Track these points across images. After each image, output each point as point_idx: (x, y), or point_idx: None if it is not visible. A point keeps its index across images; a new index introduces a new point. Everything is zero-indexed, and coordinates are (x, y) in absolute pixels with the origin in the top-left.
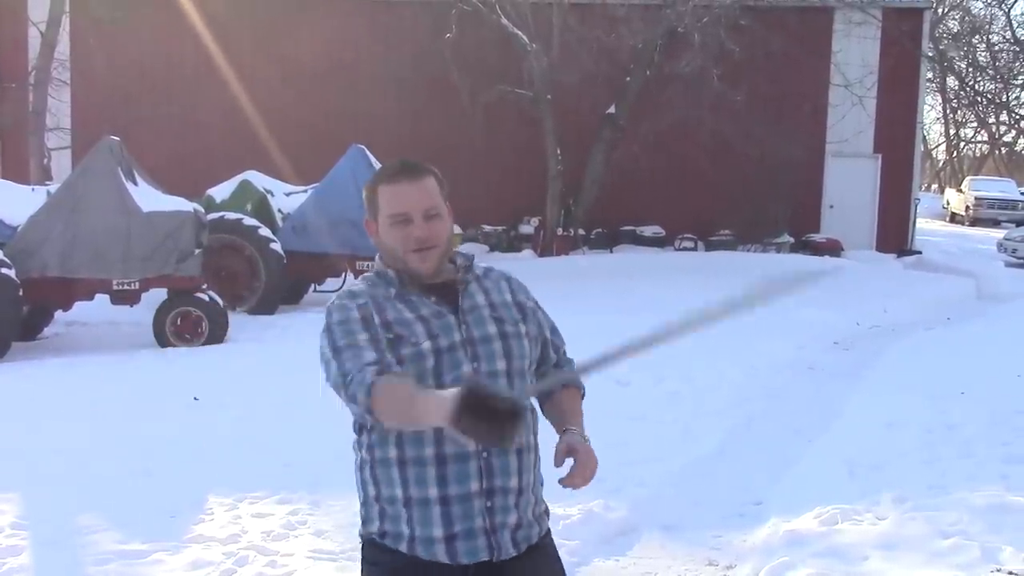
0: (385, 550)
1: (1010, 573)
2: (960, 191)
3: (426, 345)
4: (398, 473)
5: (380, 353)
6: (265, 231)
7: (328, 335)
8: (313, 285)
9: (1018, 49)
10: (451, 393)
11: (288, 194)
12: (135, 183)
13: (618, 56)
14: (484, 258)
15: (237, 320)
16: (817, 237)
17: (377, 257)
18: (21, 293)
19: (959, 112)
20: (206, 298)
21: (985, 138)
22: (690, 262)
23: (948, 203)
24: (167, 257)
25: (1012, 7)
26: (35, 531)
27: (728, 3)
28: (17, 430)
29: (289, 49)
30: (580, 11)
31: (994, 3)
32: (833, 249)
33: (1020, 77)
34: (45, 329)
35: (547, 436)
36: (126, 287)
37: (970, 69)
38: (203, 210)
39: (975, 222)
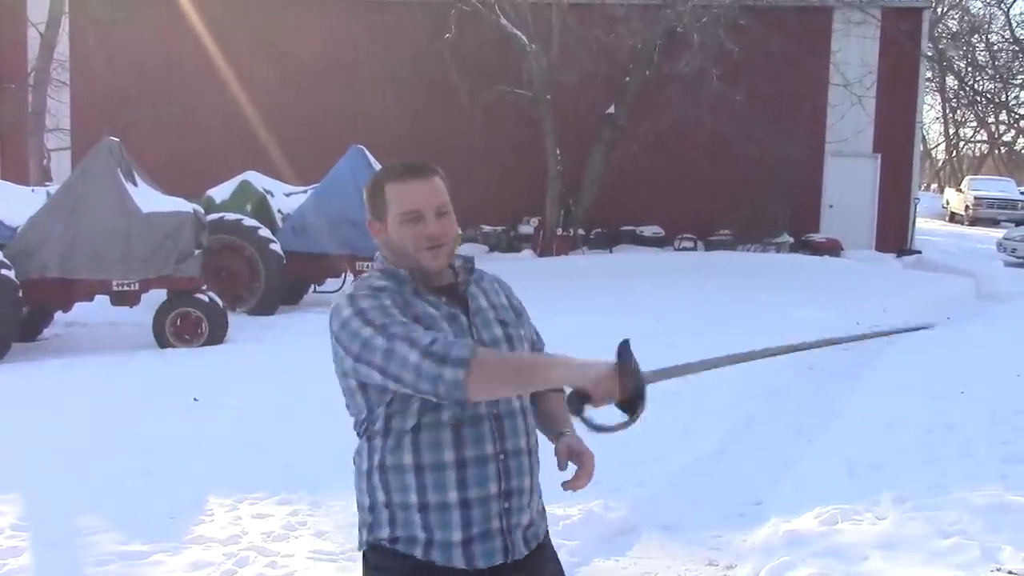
0: (394, 556)
1: (1010, 573)
2: (959, 191)
3: (450, 334)
4: (414, 479)
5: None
6: (265, 232)
7: (361, 318)
8: (313, 286)
9: (1017, 49)
10: (603, 361)
11: (288, 194)
12: (135, 184)
13: (617, 56)
14: (484, 258)
15: (237, 321)
16: (817, 237)
17: (379, 257)
18: (21, 294)
19: (958, 111)
20: (206, 299)
21: (984, 137)
22: (690, 262)
23: (947, 203)
24: (167, 258)
25: (1011, 7)
26: (35, 532)
27: (727, 3)
28: (17, 431)
29: (288, 49)
30: (579, 11)
31: (993, 3)
32: (833, 249)
33: (1019, 76)
34: (45, 330)
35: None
36: (126, 288)
37: (969, 68)
38: (203, 211)
39: (974, 222)
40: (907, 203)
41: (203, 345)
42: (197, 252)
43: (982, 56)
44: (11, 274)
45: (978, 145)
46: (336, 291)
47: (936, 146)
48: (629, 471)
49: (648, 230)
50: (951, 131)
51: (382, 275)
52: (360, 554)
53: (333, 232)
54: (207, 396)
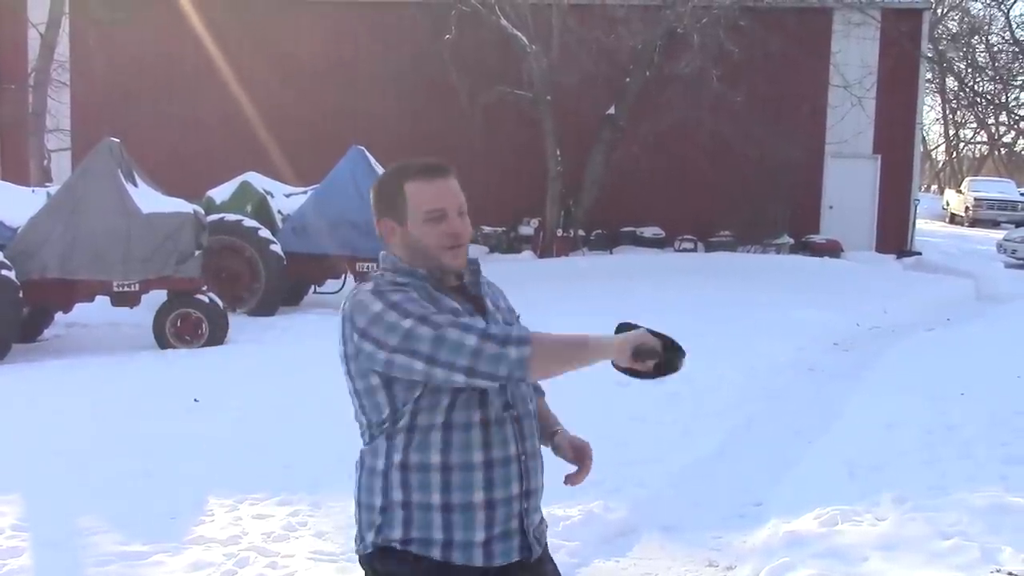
0: (405, 559)
1: (1010, 574)
2: (960, 192)
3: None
4: (440, 478)
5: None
6: (265, 232)
7: (397, 310)
8: (313, 286)
9: (1017, 50)
10: (626, 333)
11: (288, 195)
12: (135, 184)
13: (617, 57)
14: (484, 259)
15: (237, 321)
16: (817, 238)
17: (388, 258)
18: (21, 295)
19: (958, 113)
20: (206, 299)
21: (984, 139)
22: (690, 263)
23: (948, 204)
24: (167, 259)
25: (1011, 8)
26: (36, 532)
27: (727, 4)
28: (17, 431)
29: (288, 50)
30: (579, 12)
31: (993, 4)
32: (833, 250)
33: (1019, 78)
34: (45, 331)
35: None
36: (126, 289)
37: (969, 70)
38: (203, 211)
39: (975, 223)
40: (907, 204)
41: (203, 346)
42: (197, 253)
43: (982, 57)
44: (11, 275)
45: (978, 146)
46: (336, 292)
47: (936, 147)
48: (629, 472)
49: (648, 231)
50: (951, 132)
51: (398, 274)
52: (360, 558)
53: (333, 233)
54: (207, 397)
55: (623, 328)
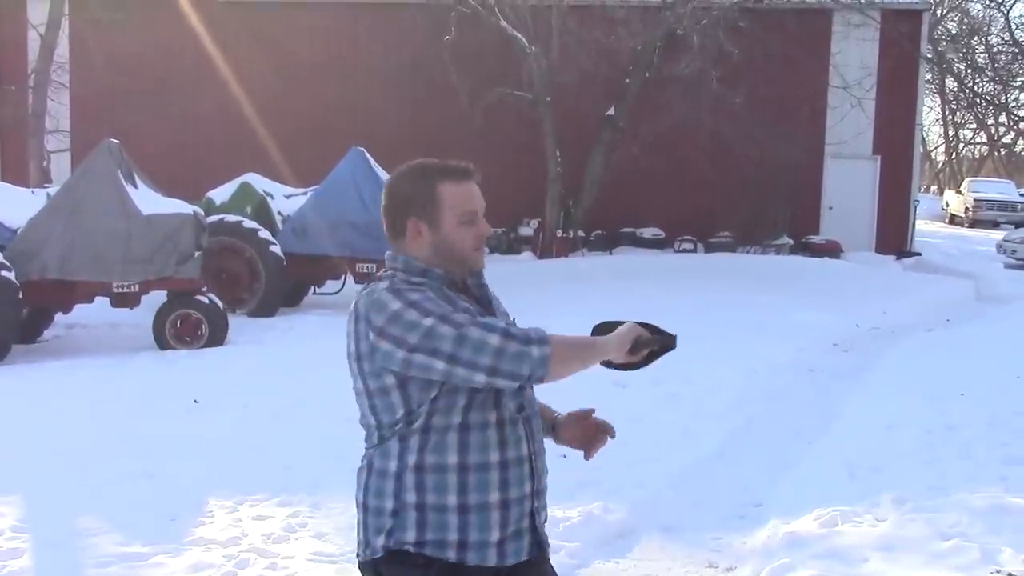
0: (417, 562)
1: (1010, 575)
2: (959, 192)
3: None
4: (456, 479)
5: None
6: (265, 233)
7: (416, 310)
8: (313, 287)
9: (1017, 51)
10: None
11: (288, 196)
12: (135, 185)
13: (617, 58)
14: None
15: (237, 322)
16: (816, 239)
17: (398, 259)
18: (21, 295)
19: (958, 113)
20: (206, 300)
21: (984, 140)
22: (690, 264)
23: (947, 205)
24: (167, 259)
25: (1011, 9)
26: (36, 534)
27: (727, 5)
28: (17, 432)
29: (289, 51)
30: (579, 13)
31: (993, 5)
32: (833, 251)
33: (1019, 79)
34: (45, 331)
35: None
36: (126, 289)
37: (969, 71)
38: (203, 212)
39: (974, 223)
40: (907, 205)
41: (203, 347)
42: (197, 254)
43: (982, 58)
44: (11, 275)
45: (978, 147)
46: (336, 293)
47: (936, 148)
48: (629, 473)
49: (648, 232)
50: (951, 133)
51: (411, 274)
52: (363, 562)
53: (333, 234)
54: (207, 398)
55: (602, 327)
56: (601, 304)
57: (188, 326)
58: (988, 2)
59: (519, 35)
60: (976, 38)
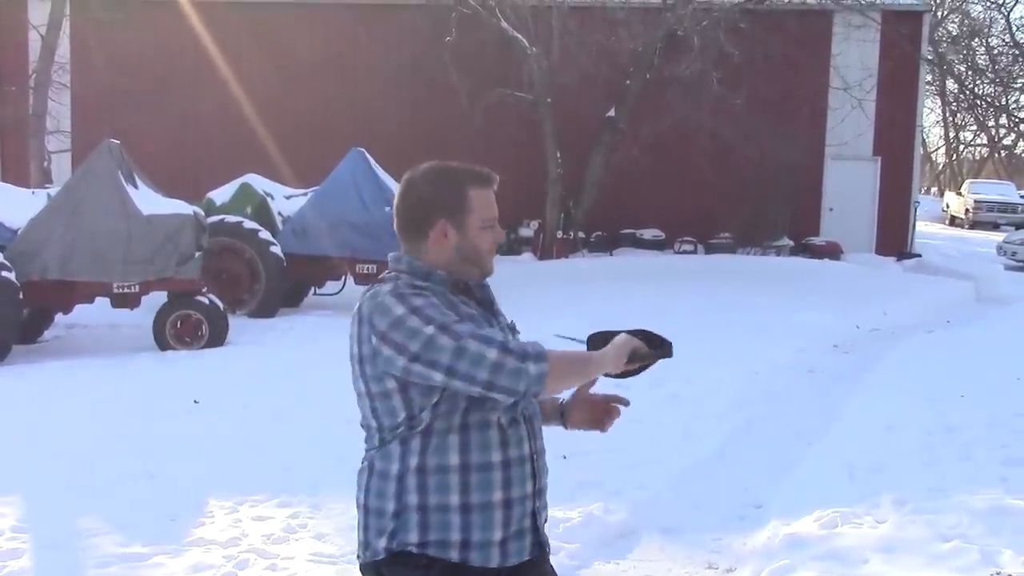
0: (419, 563)
1: None
2: (960, 194)
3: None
4: (458, 479)
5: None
6: (265, 234)
7: (419, 316)
8: (313, 288)
9: (1017, 52)
10: (615, 341)
11: (288, 197)
12: (135, 186)
13: (618, 59)
14: None
15: (237, 323)
16: (817, 240)
17: (404, 260)
18: (21, 296)
19: (958, 115)
20: (206, 301)
21: (984, 141)
22: (690, 265)
23: (948, 206)
24: (167, 260)
25: (1011, 10)
26: (36, 534)
27: (727, 6)
28: (17, 433)
29: (289, 52)
30: (580, 14)
31: (993, 6)
32: (833, 252)
33: (1019, 80)
34: (45, 332)
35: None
36: (126, 290)
37: (969, 72)
38: (203, 213)
39: (975, 225)
40: (907, 206)
41: (203, 347)
42: (197, 254)
43: (982, 60)
44: (12, 276)
45: (978, 149)
46: (336, 293)
47: (936, 149)
48: (629, 474)
49: (648, 233)
50: (951, 134)
51: (415, 277)
52: (365, 564)
53: (333, 235)
54: (207, 398)
55: (596, 337)
56: (601, 305)
57: (188, 327)
58: (989, 4)
59: (520, 36)
60: (977, 40)
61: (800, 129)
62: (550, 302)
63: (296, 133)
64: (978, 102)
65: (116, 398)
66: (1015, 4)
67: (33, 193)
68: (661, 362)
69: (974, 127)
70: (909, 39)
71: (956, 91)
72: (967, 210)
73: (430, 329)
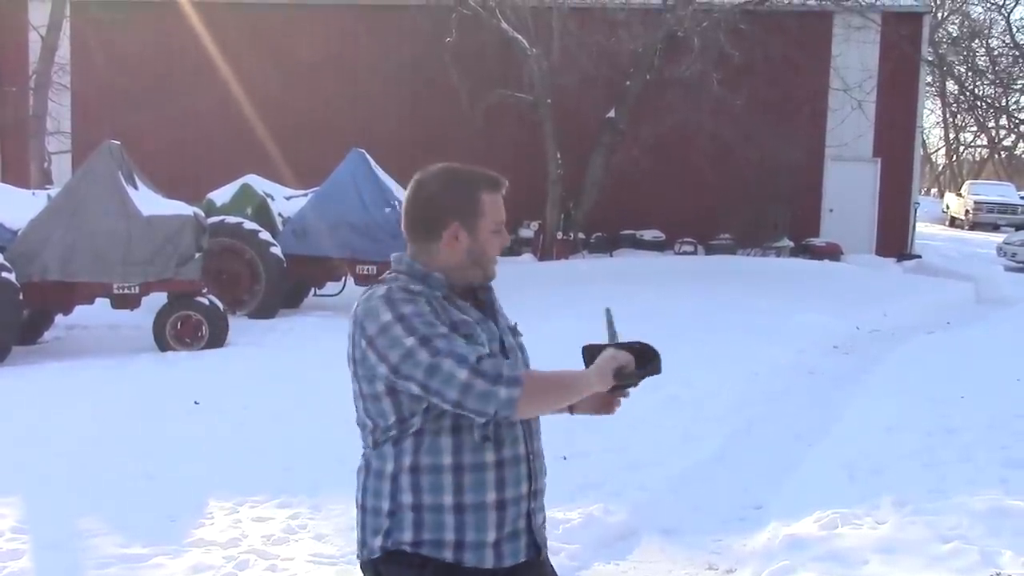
0: (414, 562)
1: None
2: (960, 195)
3: (485, 349)
4: (452, 479)
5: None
6: (265, 235)
7: (403, 324)
8: (313, 289)
9: (1017, 54)
10: (599, 360)
11: (288, 198)
12: (135, 187)
13: (618, 60)
14: None
15: (237, 324)
16: (817, 241)
17: (404, 260)
18: (21, 297)
19: (959, 116)
20: (206, 302)
21: (985, 142)
22: (690, 266)
23: (948, 207)
24: (167, 261)
25: (1012, 12)
26: (36, 535)
27: (728, 7)
28: (18, 434)
29: (290, 53)
30: (580, 15)
31: (993, 8)
32: (833, 253)
33: (1019, 81)
34: (45, 333)
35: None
36: (126, 291)
37: (969, 73)
38: (203, 214)
39: (975, 226)
40: (907, 207)
41: (203, 348)
42: (198, 255)
43: (982, 61)
44: (12, 277)
45: (978, 150)
46: (336, 294)
47: (936, 151)
48: (629, 475)
49: (648, 234)
50: (951, 136)
51: (412, 279)
52: (363, 563)
53: (333, 235)
54: (207, 399)
55: (589, 350)
56: (601, 306)
57: (188, 327)
58: (989, 5)
59: (520, 37)
60: (977, 41)
61: (800, 130)
62: (550, 303)
63: (296, 133)
64: (978, 103)
65: (116, 399)
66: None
67: (33, 194)
68: (662, 362)
69: (974, 128)
70: (909, 40)
71: (956, 92)
72: (967, 211)
73: (410, 341)
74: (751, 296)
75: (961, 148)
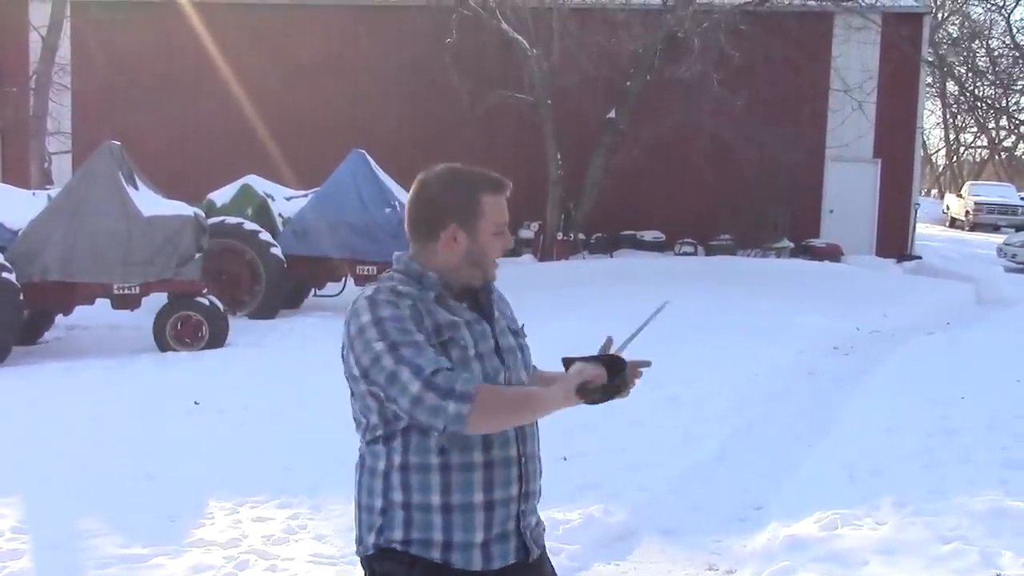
0: (404, 560)
1: None
2: (960, 196)
3: (472, 351)
4: (439, 478)
5: (445, 357)
6: (265, 235)
7: (378, 328)
8: (313, 290)
9: (1017, 54)
10: (565, 375)
11: (288, 198)
12: (136, 187)
13: (618, 61)
14: None
15: (237, 324)
16: (817, 242)
17: (402, 259)
18: (22, 297)
19: (959, 117)
20: (206, 302)
21: (985, 143)
22: (690, 267)
23: (948, 208)
24: (167, 261)
25: (1012, 12)
26: (36, 535)
27: (728, 8)
28: (18, 434)
29: (290, 53)
30: (580, 16)
31: (993, 8)
32: (833, 254)
33: (1020, 82)
34: (46, 333)
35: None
36: (127, 291)
37: (970, 74)
38: (203, 214)
39: (975, 227)
40: (907, 208)
41: (203, 349)
42: (198, 256)
43: (982, 62)
44: (12, 277)
45: (978, 150)
46: (336, 295)
47: (936, 151)
48: (629, 475)
49: (648, 235)
50: (951, 136)
51: (407, 279)
52: (360, 559)
53: (334, 236)
54: (207, 400)
55: (566, 363)
56: (601, 307)
57: (188, 328)
58: (989, 6)
59: (520, 38)
60: (977, 42)
61: (800, 131)
62: (550, 304)
63: (296, 134)
64: (978, 104)
65: (116, 399)
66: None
67: (34, 194)
68: (661, 363)
69: (974, 129)
70: (909, 41)
71: (956, 93)
72: (967, 212)
73: (380, 346)
74: (751, 297)
75: (961, 149)
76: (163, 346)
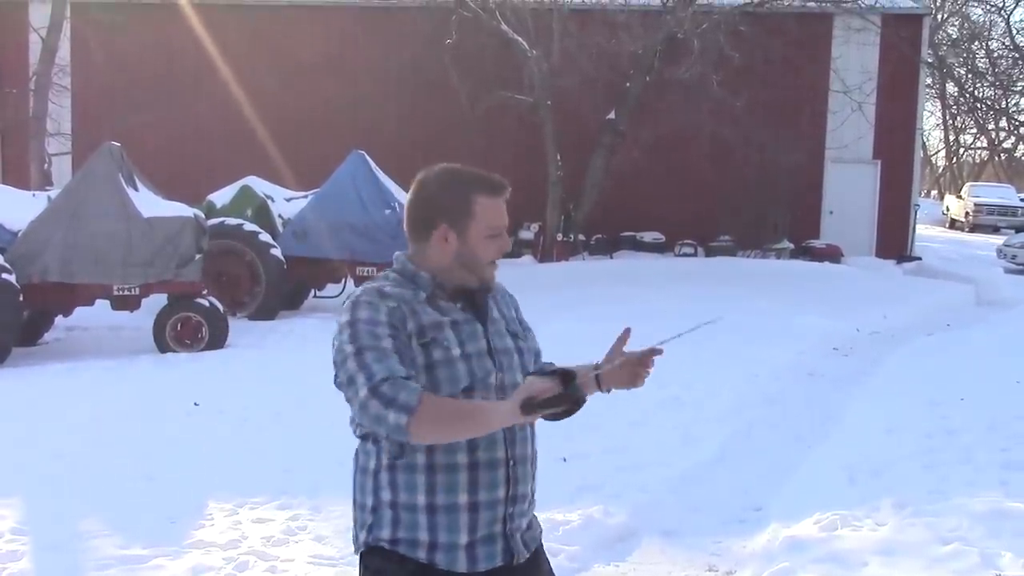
0: (393, 558)
1: None
2: (960, 197)
3: (456, 351)
4: (425, 479)
5: (408, 366)
6: (265, 236)
7: (351, 331)
8: (313, 291)
9: (1017, 55)
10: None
11: (288, 200)
12: (135, 188)
13: (618, 62)
14: None
15: (237, 325)
16: (817, 243)
17: (401, 258)
18: (22, 298)
19: (958, 118)
20: (206, 303)
21: (984, 144)
22: (690, 268)
23: (948, 209)
24: (167, 262)
25: (1011, 14)
26: (35, 536)
27: (728, 9)
28: (18, 435)
29: (289, 54)
30: (580, 17)
31: (993, 10)
32: (833, 255)
33: (1019, 83)
34: (46, 334)
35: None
36: (126, 292)
37: (969, 75)
38: (203, 215)
39: (975, 228)
40: (907, 209)
41: (203, 350)
42: (198, 257)
43: (982, 63)
44: (12, 278)
45: (978, 152)
46: (336, 296)
47: (936, 152)
48: (629, 476)
49: (648, 236)
50: (951, 137)
51: (401, 278)
52: (357, 556)
53: (333, 237)
54: (207, 401)
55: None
56: (601, 308)
57: (188, 329)
58: (989, 7)
59: (520, 38)
60: (976, 43)
61: (800, 132)
62: (550, 305)
63: (296, 135)
64: (978, 105)
65: (116, 400)
66: (1015, 7)
67: (33, 195)
68: (660, 363)
69: (974, 130)
70: (909, 42)
71: (956, 94)
72: (967, 213)
73: (349, 348)
74: (751, 298)
75: (961, 150)
76: (163, 347)
